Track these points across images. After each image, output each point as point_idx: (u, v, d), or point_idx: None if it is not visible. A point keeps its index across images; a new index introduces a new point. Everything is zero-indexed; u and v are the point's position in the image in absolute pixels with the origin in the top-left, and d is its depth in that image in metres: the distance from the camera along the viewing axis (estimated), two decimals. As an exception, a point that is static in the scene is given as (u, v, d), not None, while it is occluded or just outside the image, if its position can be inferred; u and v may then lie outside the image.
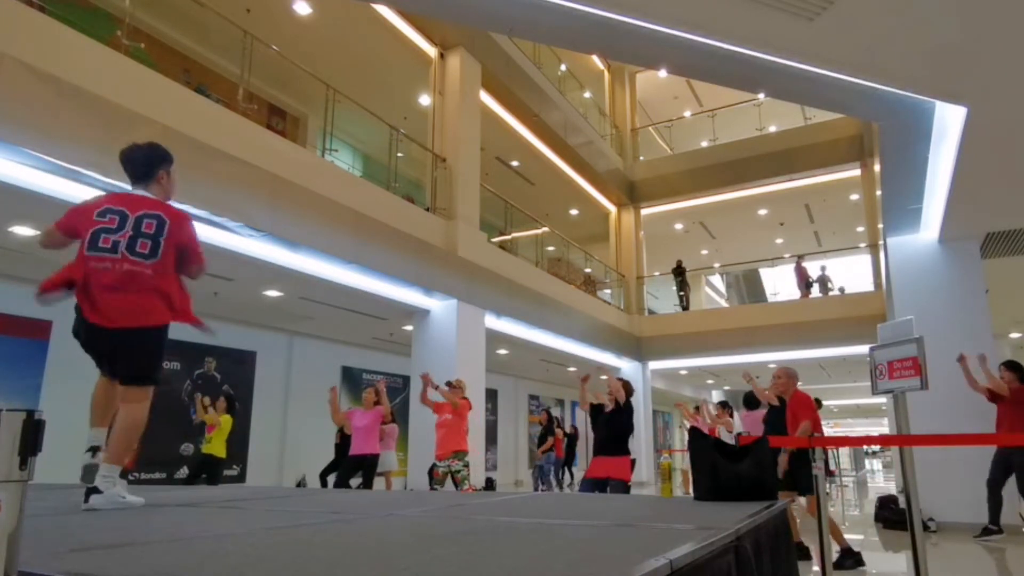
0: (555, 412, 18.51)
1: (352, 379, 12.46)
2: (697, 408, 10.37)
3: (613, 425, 5.30)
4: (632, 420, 5.38)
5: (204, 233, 6.18)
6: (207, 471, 7.81)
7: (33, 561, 1.16)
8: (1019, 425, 5.93)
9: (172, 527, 2.05)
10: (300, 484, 10.59)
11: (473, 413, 7.17)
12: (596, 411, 5.43)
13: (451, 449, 6.59)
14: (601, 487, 5.12)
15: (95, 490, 2.47)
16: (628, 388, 5.42)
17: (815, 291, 15.20)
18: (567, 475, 13.74)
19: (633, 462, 5.48)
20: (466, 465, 6.66)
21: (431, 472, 6.89)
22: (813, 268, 15.39)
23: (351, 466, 7.23)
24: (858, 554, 4.78)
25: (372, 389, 7.42)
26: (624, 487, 5.13)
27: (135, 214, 2.59)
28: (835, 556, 4.58)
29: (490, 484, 12.22)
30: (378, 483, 9.32)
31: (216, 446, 7.76)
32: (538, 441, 11.26)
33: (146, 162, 2.75)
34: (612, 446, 5.23)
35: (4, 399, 7.31)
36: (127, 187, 2.78)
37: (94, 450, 2.61)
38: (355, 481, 7.31)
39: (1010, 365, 6.25)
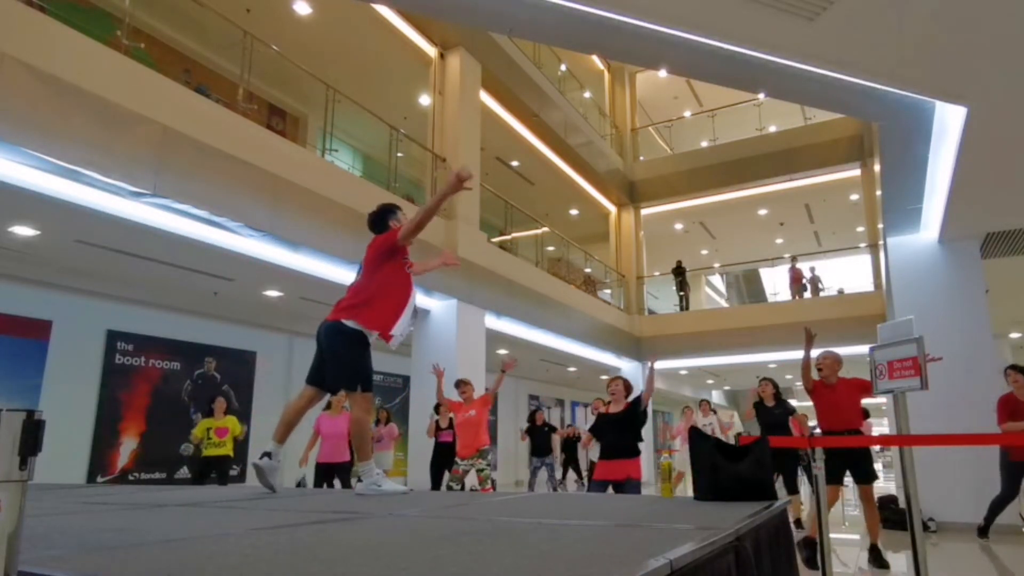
0: (555, 412, 18.51)
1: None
2: (702, 404, 10.10)
3: (625, 427, 5.18)
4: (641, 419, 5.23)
5: (204, 233, 6.23)
6: (218, 471, 7.83)
7: (33, 561, 1.16)
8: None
9: (172, 527, 2.05)
10: (300, 484, 10.58)
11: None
12: (601, 418, 5.30)
13: (476, 447, 6.36)
14: (613, 488, 5.07)
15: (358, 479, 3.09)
16: (628, 387, 5.39)
17: (807, 293, 15.23)
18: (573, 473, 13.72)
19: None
20: (489, 463, 6.46)
21: (450, 471, 6.65)
22: (805, 269, 15.40)
23: (322, 475, 7.18)
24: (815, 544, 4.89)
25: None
26: (638, 487, 5.11)
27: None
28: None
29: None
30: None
31: (228, 446, 7.84)
32: (539, 442, 11.01)
33: (377, 220, 3.50)
34: (625, 448, 5.13)
35: (4, 399, 7.30)
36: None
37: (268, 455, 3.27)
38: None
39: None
